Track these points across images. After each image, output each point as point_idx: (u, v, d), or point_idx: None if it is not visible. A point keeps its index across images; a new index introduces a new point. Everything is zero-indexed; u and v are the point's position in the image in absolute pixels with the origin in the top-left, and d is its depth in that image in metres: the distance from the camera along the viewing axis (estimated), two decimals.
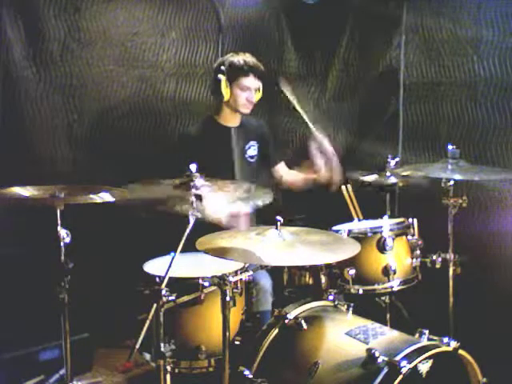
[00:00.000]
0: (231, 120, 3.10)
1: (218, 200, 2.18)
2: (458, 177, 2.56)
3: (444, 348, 1.95)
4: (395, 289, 2.54)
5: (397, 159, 2.88)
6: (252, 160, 3.17)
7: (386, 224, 2.56)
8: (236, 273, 2.10)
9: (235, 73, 2.96)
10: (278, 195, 3.31)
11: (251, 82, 2.98)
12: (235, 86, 2.97)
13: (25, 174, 3.08)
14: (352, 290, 2.48)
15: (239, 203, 2.22)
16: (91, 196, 2.37)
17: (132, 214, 2.81)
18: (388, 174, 2.89)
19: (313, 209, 3.27)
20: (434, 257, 2.67)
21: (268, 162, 3.28)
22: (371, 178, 2.89)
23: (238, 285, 2.07)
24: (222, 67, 2.98)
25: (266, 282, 2.72)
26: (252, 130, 3.21)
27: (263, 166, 3.27)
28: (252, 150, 3.17)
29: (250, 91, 2.99)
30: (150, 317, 2.19)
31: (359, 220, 2.90)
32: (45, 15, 3.19)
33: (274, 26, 3.98)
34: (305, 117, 3.07)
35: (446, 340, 1.97)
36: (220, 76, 2.97)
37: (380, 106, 3.56)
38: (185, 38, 3.68)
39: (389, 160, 2.87)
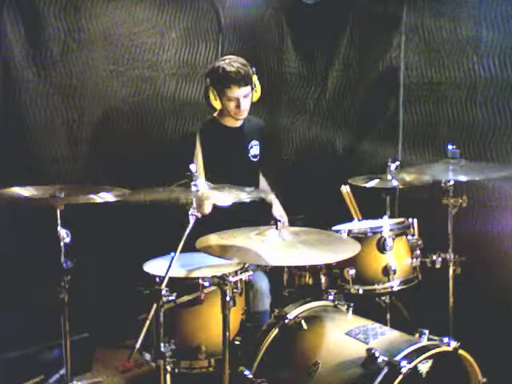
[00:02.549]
0: (233, 122, 3.10)
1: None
2: (458, 177, 2.57)
3: (444, 348, 1.95)
4: (395, 289, 2.54)
5: (397, 163, 2.87)
6: (255, 159, 3.18)
7: (385, 224, 2.56)
8: (236, 273, 2.10)
9: (219, 85, 2.91)
10: (278, 195, 3.31)
11: (236, 92, 2.90)
12: (222, 96, 2.92)
13: (25, 174, 3.09)
14: (352, 290, 2.48)
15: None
16: (91, 196, 2.37)
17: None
18: (389, 177, 2.88)
19: (313, 209, 3.28)
20: (434, 257, 2.67)
21: (268, 161, 3.29)
22: (373, 183, 2.88)
23: (238, 285, 2.07)
24: (208, 80, 2.94)
25: (262, 284, 2.72)
26: (254, 130, 3.21)
27: (265, 165, 3.28)
28: (255, 149, 3.17)
29: (237, 100, 2.93)
30: (150, 317, 2.20)
31: (359, 220, 2.90)
32: (45, 15, 3.18)
33: (274, 26, 3.98)
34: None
35: (446, 340, 1.98)
36: (208, 88, 2.93)
37: (380, 105, 3.56)
38: (185, 38, 3.68)
39: (389, 164, 2.85)
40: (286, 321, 2.21)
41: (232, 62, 2.92)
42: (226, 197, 2.23)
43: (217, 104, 2.95)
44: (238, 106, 2.94)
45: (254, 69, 2.98)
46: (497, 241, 3.05)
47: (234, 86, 2.89)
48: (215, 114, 3.11)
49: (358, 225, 2.79)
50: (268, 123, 3.75)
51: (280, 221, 2.08)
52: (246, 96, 2.95)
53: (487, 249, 3.06)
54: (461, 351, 1.97)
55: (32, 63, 3.19)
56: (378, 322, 2.21)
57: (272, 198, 3.26)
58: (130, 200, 2.42)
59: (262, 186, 3.32)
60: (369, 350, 1.91)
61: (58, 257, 2.38)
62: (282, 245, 2.00)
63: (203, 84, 3.06)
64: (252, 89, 2.97)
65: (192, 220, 2.03)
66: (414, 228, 2.68)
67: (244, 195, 2.24)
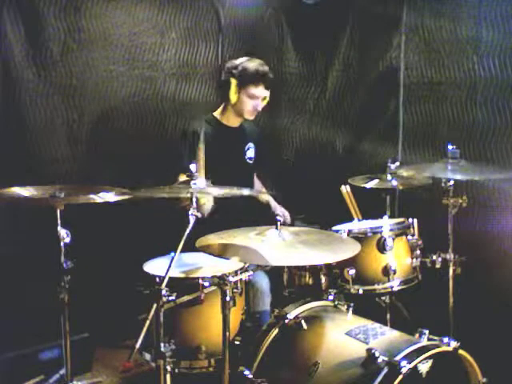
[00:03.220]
0: (233, 121, 3.11)
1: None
2: (458, 177, 2.57)
3: (444, 348, 1.95)
4: (395, 289, 2.54)
5: (397, 163, 2.88)
6: (250, 161, 3.20)
7: (385, 224, 2.56)
8: (236, 273, 2.10)
9: (246, 80, 2.95)
10: (278, 195, 3.32)
11: (260, 91, 2.99)
12: (244, 92, 2.97)
13: (25, 174, 3.08)
14: (352, 290, 2.48)
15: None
16: (91, 196, 2.37)
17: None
18: (389, 177, 2.89)
19: (313, 209, 3.28)
20: (434, 257, 2.67)
21: (263, 165, 3.31)
22: (373, 183, 2.88)
23: (238, 285, 2.07)
24: (235, 71, 2.97)
25: (263, 283, 2.72)
26: (250, 133, 3.24)
27: (260, 168, 3.30)
28: (250, 151, 3.20)
29: (257, 100, 3.00)
30: (150, 317, 2.20)
31: (359, 220, 2.90)
32: (45, 15, 3.18)
33: (274, 26, 3.98)
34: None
35: (446, 340, 1.98)
36: (231, 80, 2.96)
37: (380, 105, 3.56)
38: (185, 38, 3.68)
39: (389, 164, 2.86)
40: (286, 321, 2.21)
41: (262, 64, 3.01)
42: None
43: (234, 97, 2.98)
44: (255, 106, 3.01)
45: None
46: (497, 241, 3.05)
47: (261, 86, 2.98)
48: (215, 113, 3.12)
49: (358, 225, 2.79)
50: (268, 123, 3.76)
51: (280, 220, 2.07)
52: (263, 99, 3.04)
53: (487, 249, 3.06)
54: (461, 351, 1.97)
55: (32, 63, 3.19)
56: (378, 322, 2.21)
57: (267, 197, 3.27)
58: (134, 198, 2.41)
59: (256, 187, 3.34)
60: (369, 350, 1.91)
61: (58, 257, 2.38)
62: (281, 245, 2.00)
63: (204, 83, 3.06)
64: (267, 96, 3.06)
65: (192, 220, 2.03)
66: (414, 228, 2.69)
67: (237, 190, 2.25)
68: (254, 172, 3.31)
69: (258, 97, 3.00)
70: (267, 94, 3.03)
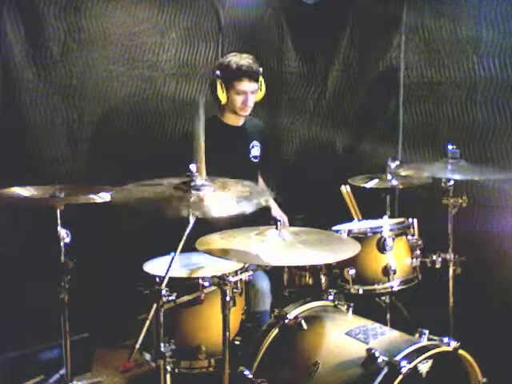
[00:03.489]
0: (234, 120, 3.10)
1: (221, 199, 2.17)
2: (457, 177, 2.57)
3: (444, 348, 1.95)
4: (395, 289, 2.54)
5: (397, 162, 2.88)
6: (255, 160, 3.18)
7: (385, 224, 2.56)
8: (236, 273, 2.10)
9: (229, 78, 2.93)
10: (279, 195, 3.31)
11: (246, 86, 2.94)
12: (231, 89, 2.95)
13: (25, 174, 3.09)
14: (352, 290, 2.48)
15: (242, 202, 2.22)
16: (91, 196, 2.37)
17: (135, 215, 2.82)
18: (389, 177, 2.89)
19: (313, 209, 3.28)
20: (434, 257, 2.68)
21: (267, 163, 3.30)
22: (373, 183, 2.88)
23: (238, 285, 2.07)
24: (217, 72, 2.95)
25: (263, 283, 2.72)
26: (255, 130, 3.22)
27: (264, 167, 3.29)
28: (255, 150, 3.18)
29: (245, 95, 2.96)
30: (150, 317, 2.20)
31: (359, 220, 2.90)
32: (45, 15, 3.18)
33: (274, 25, 3.98)
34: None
35: (446, 340, 1.98)
36: (216, 80, 2.95)
37: (380, 105, 3.56)
38: (185, 38, 3.68)
39: (389, 163, 2.86)
40: (286, 321, 2.21)
41: (244, 58, 2.97)
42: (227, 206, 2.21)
43: (223, 97, 2.95)
44: (244, 101, 2.97)
45: (261, 68, 3.00)
46: (497, 241, 3.05)
47: (245, 80, 2.93)
48: (217, 113, 3.12)
49: (358, 225, 2.79)
50: (268, 123, 3.75)
51: (280, 220, 2.07)
52: (253, 92, 2.99)
53: (487, 249, 3.07)
54: (461, 351, 1.97)
55: (32, 63, 3.19)
56: (378, 322, 2.21)
57: (269, 200, 3.27)
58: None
59: (261, 188, 3.32)
60: (369, 350, 1.91)
61: (58, 257, 2.38)
62: (281, 245, 2.00)
63: (208, 78, 3.05)
64: (258, 87, 3.00)
65: (192, 220, 2.03)
66: (414, 228, 2.69)
67: (246, 206, 2.23)
68: (258, 171, 3.29)
69: (246, 91, 2.95)
70: (255, 86, 2.98)
